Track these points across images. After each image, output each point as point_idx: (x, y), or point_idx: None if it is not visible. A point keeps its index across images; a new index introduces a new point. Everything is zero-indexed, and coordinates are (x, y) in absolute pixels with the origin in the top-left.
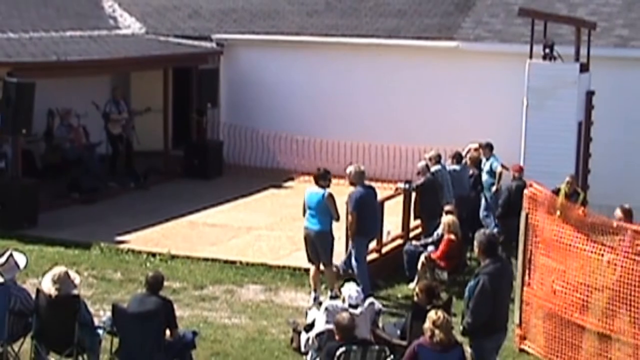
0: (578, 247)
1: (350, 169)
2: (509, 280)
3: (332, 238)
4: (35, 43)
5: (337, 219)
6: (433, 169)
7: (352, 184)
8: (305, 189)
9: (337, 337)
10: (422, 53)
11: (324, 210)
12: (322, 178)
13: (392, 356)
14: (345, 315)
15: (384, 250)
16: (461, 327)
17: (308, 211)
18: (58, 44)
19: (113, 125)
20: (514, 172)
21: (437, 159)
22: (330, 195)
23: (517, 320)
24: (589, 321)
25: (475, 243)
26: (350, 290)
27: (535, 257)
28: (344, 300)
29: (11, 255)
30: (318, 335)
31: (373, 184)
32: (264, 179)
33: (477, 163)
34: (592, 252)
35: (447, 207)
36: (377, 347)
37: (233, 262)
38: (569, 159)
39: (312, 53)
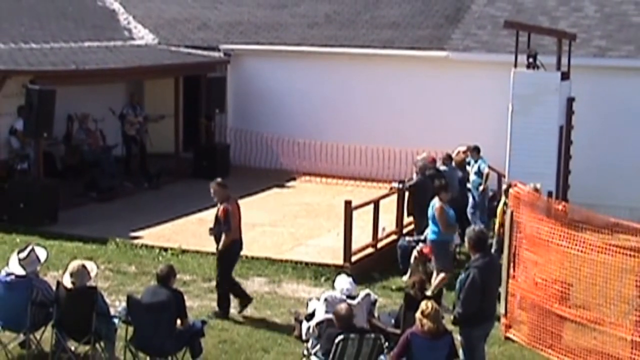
0: (556, 242)
1: (538, 185)
2: (497, 274)
3: (444, 246)
4: (55, 53)
5: (445, 229)
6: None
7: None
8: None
9: (337, 326)
10: (415, 62)
11: (435, 220)
12: (443, 190)
13: (386, 344)
14: (343, 306)
15: (379, 245)
16: (452, 317)
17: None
18: (77, 54)
19: (129, 127)
20: (430, 162)
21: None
22: (439, 208)
23: (502, 310)
24: (567, 311)
25: (466, 239)
26: (344, 283)
27: (519, 252)
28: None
29: (32, 249)
30: (318, 324)
31: (369, 183)
32: (268, 179)
33: (463, 165)
34: (568, 247)
35: None
36: (373, 335)
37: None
38: (551, 161)
39: (312, 62)
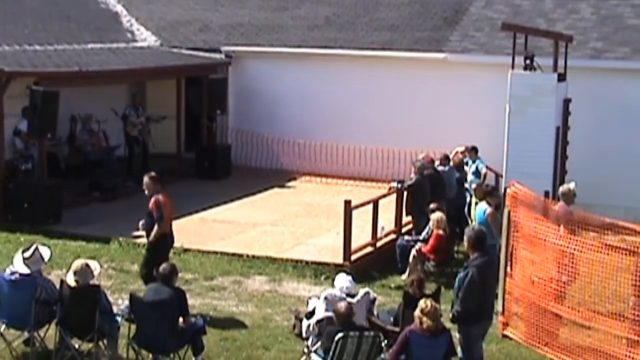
0: (552, 241)
1: (570, 186)
2: (495, 273)
3: (493, 250)
4: (59, 55)
5: (499, 234)
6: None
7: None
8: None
9: (336, 324)
10: (414, 64)
11: (487, 226)
12: (489, 195)
13: (385, 341)
14: (343, 304)
15: (378, 244)
16: (450, 315)
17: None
18: (80, 56)
19: (131, 128)
20: (426, 162)
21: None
22: (491, 213)
23: (500, 308)
24: (563, 310)
25: (465, 238)
26: (344, 281)
27: (516, 251)
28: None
29: (36, 248)
30: (318, 322)
31: (368, 183)
32: (269, 179)
33: (460, 165)
34: (563, 246)
35: (432, 205)
36: (372, 333)
37: (240, 255)
38: (548, 161)
39: (312, 64)
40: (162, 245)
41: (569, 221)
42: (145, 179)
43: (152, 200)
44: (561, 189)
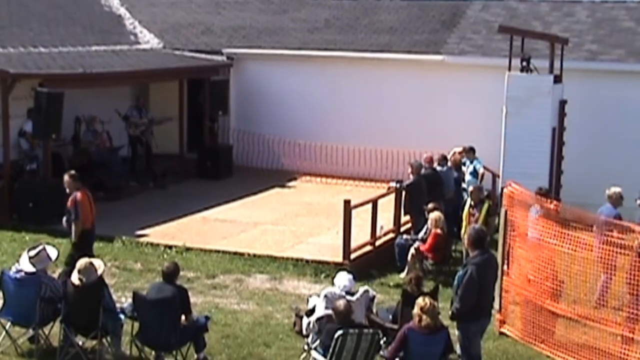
0: (548, 240)
1: (616, 190)
2: (494, 271)
3: None
4: (63, 57)
5: None
6: (437, 169)
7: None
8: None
9: (336, 322)
10: (412, 66)
11: None
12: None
13: (384, 339)
14: (342, 302)
15: (377, 243)
16: (450, 312)
17: None
18: (84, 58)
19: (133, 129)
20: (426, 162)
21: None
22: None
23: (497, 306)
24: (559, 307)
25: (466, 236)
26: (344, 279)
27: (513, 250)
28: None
29: (43, 248)
30: (318, 319)
31: (367, 183)
32: (270, 179)
33: (458, 165)
34: (560, 244)
35: (430, 205)
36: (371, 330)
37: (242, 254)
38: (544, 161)
39: (313, 66)
40: (83, 241)
41: (608, 227)
42: (65, 177)
43: (70, 198)
44: (607, 192)
